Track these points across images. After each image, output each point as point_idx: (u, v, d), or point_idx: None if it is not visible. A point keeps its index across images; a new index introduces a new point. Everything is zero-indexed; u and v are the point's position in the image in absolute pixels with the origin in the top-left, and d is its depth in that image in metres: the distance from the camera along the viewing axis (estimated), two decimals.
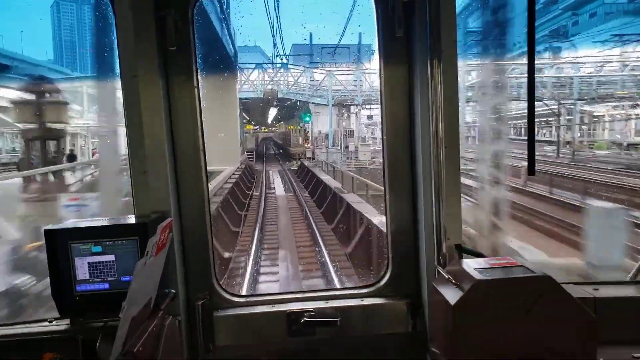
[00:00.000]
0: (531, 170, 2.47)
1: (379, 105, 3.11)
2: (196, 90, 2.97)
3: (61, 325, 2.51)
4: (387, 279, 3.16)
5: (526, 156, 2.46)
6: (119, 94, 2.81)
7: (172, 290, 2.78)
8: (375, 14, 2.99)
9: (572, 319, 2.35)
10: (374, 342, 3.10)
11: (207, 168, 3.08)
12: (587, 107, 41.79)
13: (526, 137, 2.46)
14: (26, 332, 2.46)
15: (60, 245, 2.49)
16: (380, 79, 3.03)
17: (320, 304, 3.08)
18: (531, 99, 2.41)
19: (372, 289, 3.18)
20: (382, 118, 3.07)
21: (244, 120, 59.57)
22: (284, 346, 3.08)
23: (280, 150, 70.15)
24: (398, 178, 3.09)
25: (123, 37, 2.69)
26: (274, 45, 57.17)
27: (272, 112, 64.47)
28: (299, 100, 45.87)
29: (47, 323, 2.55)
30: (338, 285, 10.68)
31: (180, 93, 2.95)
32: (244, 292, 9.27)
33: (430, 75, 2.75)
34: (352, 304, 3.11)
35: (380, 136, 3.15)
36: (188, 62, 2.93)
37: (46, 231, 2.49)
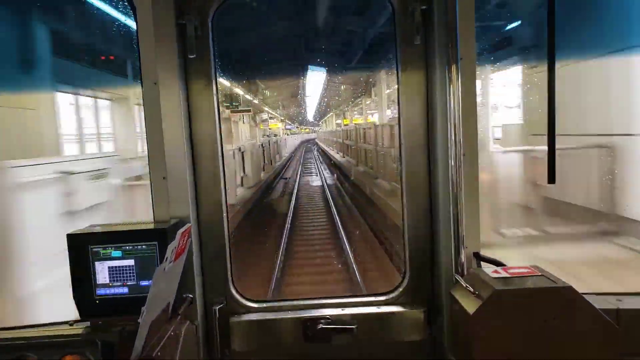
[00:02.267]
0: (551, 178, 2.44)
1: None
2: (215, 97, 3.01)
3: (81, 328, 2.56)
4: (404, 286, 3.14)
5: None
6: None
7: (190, 296, 2.80)
8: (393, 20, 2.99)
9: (594, 330, 2.31)
10: (390, 350, 3.08)
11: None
12: None
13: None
14: (47, 335, 2.51)
15: (81, 249, 2.54)
16: (398, 85, 3.03)
17: (337, 311, 3.07)
18: (551, 105, 2.38)
19: (389, 296, 3.16)
20: (399, 124, 3.07)
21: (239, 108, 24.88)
22: (300, 353, 3.08)
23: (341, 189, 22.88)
24: (416, 185, 3.08)
25: (145, 44, 2.74)
26: None
27: (313, 88, 33.73)
28: None
29: (67, 326, 2.60)
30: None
31: (200, 100, 3.00)
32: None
33: (448, 82, 2.74)
34: (369, 311, 3.10)
35: (399, 143, 3.14)
36: (207, 70, 2.98)
37: (68, 235, 2.54)
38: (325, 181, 27.11)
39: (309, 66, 27.01)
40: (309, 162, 42.76)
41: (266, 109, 40.40)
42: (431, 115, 2.98)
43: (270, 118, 44.69)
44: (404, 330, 3.08)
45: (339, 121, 45.95)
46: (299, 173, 32.87)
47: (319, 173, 32.86)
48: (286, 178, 29.09)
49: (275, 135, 42.02)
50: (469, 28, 2.67)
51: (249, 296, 3.18)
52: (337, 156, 34.17)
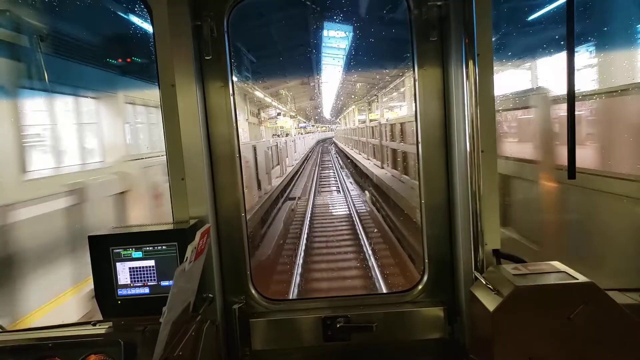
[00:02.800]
0: (571, 173, 2.40)
1: None
2: (231, 98, 3.03)
3: (104, 328, 2.59)
4: (424, 284, 3.13)
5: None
6: None
7: (210, 295, 2.82)
8: (409, 18, 2.98)
9: (617, 327, 2.27)
10: (410, 348, 3.07)
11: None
12: None
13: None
14: (71, 335, 2.55)
15: (102, 250, 2.58)
16: (415, 82, 3.01)
17: (356, 310, 3.07)
18: (571, 99, 2.34)
19: (408, 294, 3.15)
20: (416, 121, 3.05)
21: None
22: (319, 351, 3.08)
23: None
24: (434, 182, 3.06)
25: (161, 47, 2.76)
26: None
27: (329, 78, 28.46)
28: None
29: (90, 326, 2.64)
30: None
31: (216, 101, 3.02)
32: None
33: (465, 77, 2.71)
34: (388, 310, 3.09)
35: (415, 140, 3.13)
36: (223, 71, 3.00)
37: (90, 237, 2.58)
38: (356, 212, 16.05)
39: (323, 48, 22.47)
40: (326, 169, 32.94)
41: (273, 102, 34.23)
42: (449, 112, 2.96)
43: (279, 115, 37.42)
44: (424, 328, 3.06)
45: (361, 117, 36.96)
46: (313, 190, 22.50)
47: (343, 190, 22.16)
48: (294, 198, 19.71)
49: (287, 135, 35.17)
50: (486, 24, 2.64)
51: (269, 295, 3.20)
52: (367, 164, 21.57)
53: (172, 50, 2.76)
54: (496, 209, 2.76)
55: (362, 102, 37.97)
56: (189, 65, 2.83)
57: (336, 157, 42.33)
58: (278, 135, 34.26)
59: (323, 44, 22.88)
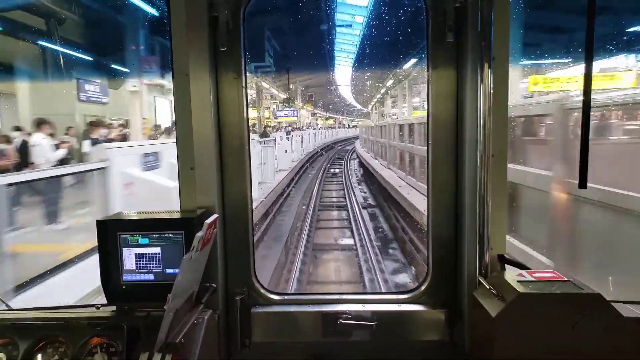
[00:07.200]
0: (583, 183, 2.38)
1: None
2: (244, 90, 3.04)
3: (108, 312, 2.62)
4: (426, 286, 3.13)
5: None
6: None
7: (213, 285, 2.84)
8: (426, 19, 2.96)
9: (621, 339, 2.26)
10: (409, 349, 3.07)
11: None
12: None
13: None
14: (75, 317, 2.58)
15: (110, 235, 2.60)
16: (428, 83, 3.00)
17: (357, 307, 3.07)
18: (587, 107, 2.32)
19: (410, 295, 3.15)
20: (428, 123, 3.04)
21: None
22: (319, 346, 3.09)
23: None
24: (442, 185, 3.05)
25: (177, 36, 2.78)
26: None
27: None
28: None
29: (94, 309, 2.66)
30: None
31: (229, 92, 3.03)
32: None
33: (480, 81, 2.70)
34: (390, 309, 3.09)
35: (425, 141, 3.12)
36: (237, 63, 3.01)
37: (98, 221, 2.60)
38: None
39: None
40: None
41: None
42: (461, 115, 2.95)
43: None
44: (424, 330, 3.06)
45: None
46: None
47: None
48: None
49: None
50: (504, 28, 2.62)
51: (271, 288, 3.21)
52: None
53: (187, 39, 2.77)
54: (504, 214, 2.75)
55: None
56: (203, 55, 2.84)
57: None
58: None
59: None
